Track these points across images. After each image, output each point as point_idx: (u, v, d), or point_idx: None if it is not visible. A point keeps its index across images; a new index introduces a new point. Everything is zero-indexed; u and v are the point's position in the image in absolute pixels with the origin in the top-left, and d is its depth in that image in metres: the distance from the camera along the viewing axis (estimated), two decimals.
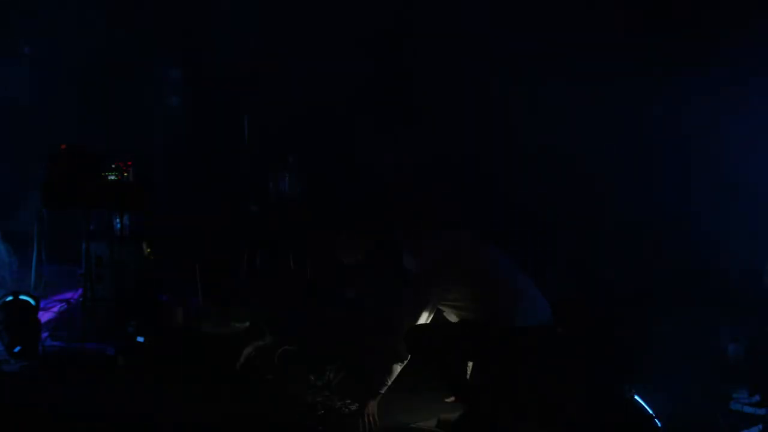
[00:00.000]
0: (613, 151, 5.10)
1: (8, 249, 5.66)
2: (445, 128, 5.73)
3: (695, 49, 4.79)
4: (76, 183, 4.91)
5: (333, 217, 5.53)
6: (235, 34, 6.08)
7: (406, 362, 3.52)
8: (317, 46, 5.88)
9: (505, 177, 5.43)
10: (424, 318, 3.54)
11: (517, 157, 5.46)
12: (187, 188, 6.20)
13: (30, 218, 5.31)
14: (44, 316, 5.01)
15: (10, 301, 4.63)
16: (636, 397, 3.55)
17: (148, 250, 5.12)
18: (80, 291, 5.04)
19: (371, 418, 3.53)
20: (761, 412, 3.79)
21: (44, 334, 4.77)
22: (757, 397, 3.90)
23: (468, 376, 3.72)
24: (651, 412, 3.50)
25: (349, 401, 3.85)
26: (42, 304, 4.99)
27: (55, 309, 5.26)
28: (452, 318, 3.62)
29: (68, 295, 5.37)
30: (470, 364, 3.72)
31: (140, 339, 4.46)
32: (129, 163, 5.11)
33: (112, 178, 5.07)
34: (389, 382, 3.52)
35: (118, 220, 5.19)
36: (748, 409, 3.84)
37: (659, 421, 3.47)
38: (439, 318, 3.63)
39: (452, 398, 3.83)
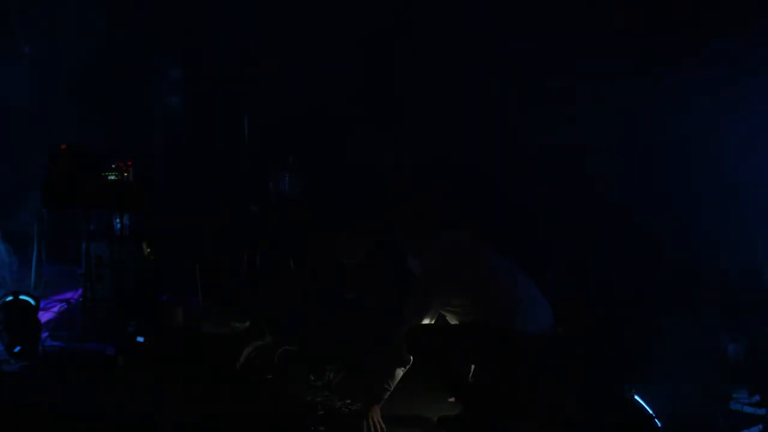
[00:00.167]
0: (613, 151, 5.11)
1: (8, 249, 5.66)
2: (445, 128, 5.73)
3: (695, 49, 4.78)
4: (76, 183, 4.91)
5: (333, 217, 5.53)
6: (235, 34, 6.08)
7: (408, 366, 3.50)
8: (317, 46, 5.88)
9: (505, 177, 5.42)
10: (425, 322, 3.54)
11: (517, 157, 5.46)
12: (187, 188, 6.19)
13: (30, 218, 5.30)
14: (44, 316, 5.00)
15: (10, 301, 4.63)
16: (636, 397, 3.55)
17: (148, 250, 5.12)
18: (80, 291, 5.03)
19: (376, 424, 3.48)
20: (761, 412, 3.80)
21: (44, 334, 4.76)
22: (757, 397, 3.90)
23: (469, 377, 3.71)
24: (651, 412, 3.50)
25: (349, 401, 3.86)
26: (42, 304, 4.98)
27: (55, 309, 5.26)
28: (452, 320, 3.62)
29: (68, 295, 5.36)
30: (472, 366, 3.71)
31: (140, 339, 4.46)
32: (129, 163, 5.10)
33: (112, 178, 5.07)
34: (392, 387, 3.50)
35: (118, 220, 5.18)
36: (748, 409, 3.84)
37: (659, 421, 3.48)
38: (439, 319, 3.63)
39: (453, 398, 3.83)
